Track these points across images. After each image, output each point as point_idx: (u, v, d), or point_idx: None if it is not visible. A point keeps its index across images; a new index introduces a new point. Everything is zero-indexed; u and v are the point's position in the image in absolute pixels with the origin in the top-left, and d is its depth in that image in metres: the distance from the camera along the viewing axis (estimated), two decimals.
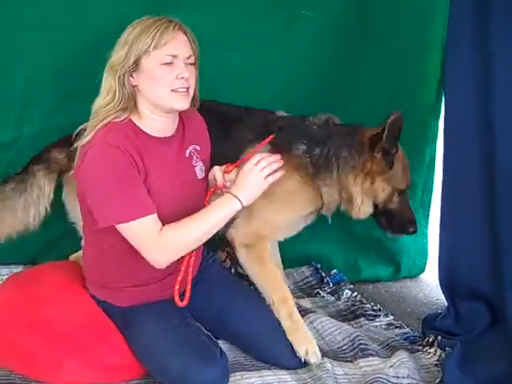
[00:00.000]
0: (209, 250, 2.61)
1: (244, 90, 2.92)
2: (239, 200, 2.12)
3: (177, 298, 2.20)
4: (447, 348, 2.50)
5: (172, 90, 2.13)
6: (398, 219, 2.59)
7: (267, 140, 2.33)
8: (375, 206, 2.56)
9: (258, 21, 2.91)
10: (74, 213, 2.58)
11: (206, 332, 2.39)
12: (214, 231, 2.17)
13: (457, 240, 2.81)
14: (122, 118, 2.16)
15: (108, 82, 2.15)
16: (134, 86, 2.16)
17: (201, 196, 2.28)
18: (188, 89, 2.16)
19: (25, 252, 2.96)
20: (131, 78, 2.15)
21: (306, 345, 2.34)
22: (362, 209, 2.55)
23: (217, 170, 2.27)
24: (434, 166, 3.26)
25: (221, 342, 2.43)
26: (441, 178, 2.88)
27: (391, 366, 2.34)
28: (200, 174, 2.33)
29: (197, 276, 2.44)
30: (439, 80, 3.01)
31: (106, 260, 2.29)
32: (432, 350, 2.53)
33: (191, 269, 2.24)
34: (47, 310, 2.27)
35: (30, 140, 2.79)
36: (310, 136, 2.53)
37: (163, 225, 2.11)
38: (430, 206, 3.38)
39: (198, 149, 2.34)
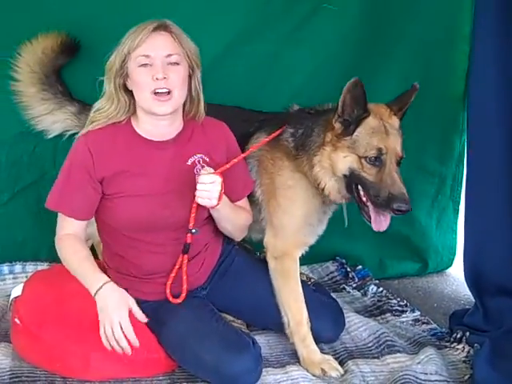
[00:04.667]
0: (229, 241, 2.55)
1: (264, 83, 2.92)
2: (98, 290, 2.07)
3: (168, 292, 2.24)
4: (476, 344, 2.46)
5: (153, 93, 2.10)
6: (377, 193, 2.21)
7: (276, 134, 2.35)
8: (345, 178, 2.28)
9: (279, 14, 2.88)
10: None
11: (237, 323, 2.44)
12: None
13: (481, 235, 2.78)
14: (121, 119, 2.20)
15: (106, 85, 2.18)
16: (130, 91, 2.17)
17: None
18: (170, 92, 2.11)
19: (51, 249, 2.96)
20: (127, 83, 2.16)
21: (319, 366, 2.32)
22: (328, 186, 2.31)
23: None
24: (463, 159, 3.15)
25: None
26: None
27: (419, 363, 2.32)
28: None
29: (221, 268, 2.46)
30: (467, 71, 2.98)
31: (120, 254, 2.30)
32: (460, 347, 2.50)
33: (185, 268, 2.24)
34: (74, 305, 2.27)
35: None
36: (296, 121, 2.42)
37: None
38: (459, 200, 3.32)
39: (207, 160, 2.25)
